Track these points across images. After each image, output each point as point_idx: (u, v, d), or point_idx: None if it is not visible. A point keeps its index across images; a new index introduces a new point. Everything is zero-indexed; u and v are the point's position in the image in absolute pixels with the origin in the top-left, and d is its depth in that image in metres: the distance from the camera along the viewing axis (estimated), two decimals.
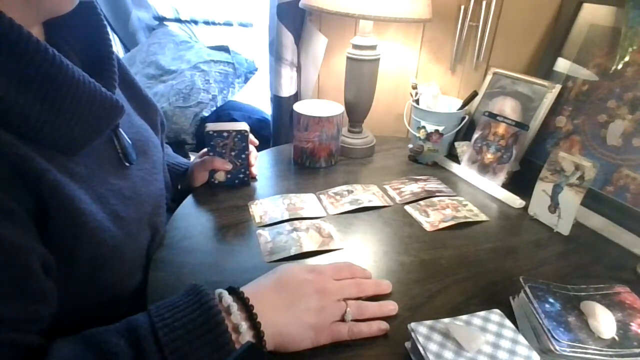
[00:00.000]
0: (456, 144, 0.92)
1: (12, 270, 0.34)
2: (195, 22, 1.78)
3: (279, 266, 0.50)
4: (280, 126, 1.15)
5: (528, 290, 0.48)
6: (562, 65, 0.83)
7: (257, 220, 0.69)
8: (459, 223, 0.70)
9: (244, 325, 0.41)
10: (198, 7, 1.74)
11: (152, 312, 0.40)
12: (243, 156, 0.76)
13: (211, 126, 0.73)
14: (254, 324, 0.41)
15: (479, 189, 0.83)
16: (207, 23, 1.76)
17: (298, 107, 0.86)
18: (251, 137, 0.80)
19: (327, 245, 0.63)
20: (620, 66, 0.72)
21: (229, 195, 0.76)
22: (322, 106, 0.88)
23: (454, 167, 0.90)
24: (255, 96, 1.64)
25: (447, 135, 0.90)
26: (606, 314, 0.45)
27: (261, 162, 0.90)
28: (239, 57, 1.63)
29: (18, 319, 0.35)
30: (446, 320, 0.45)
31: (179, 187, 0.80)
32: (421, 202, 0.76)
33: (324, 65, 1.07)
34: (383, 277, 0.57)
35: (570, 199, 0.66)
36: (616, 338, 0.43)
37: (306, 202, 0.74)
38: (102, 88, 0.43)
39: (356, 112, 0.94)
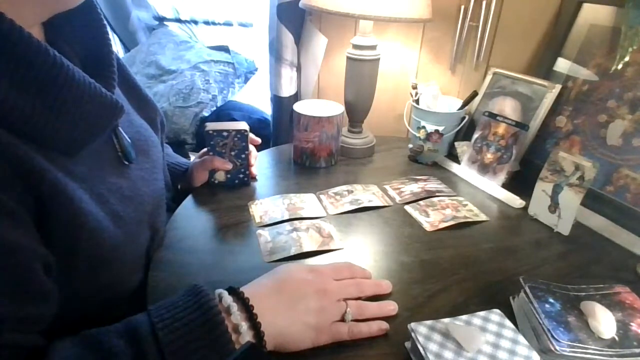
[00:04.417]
0: (456, 144, 0.92)
1: (12, 270, 0.34)
2: (195, 22, 1.78)
3: (279, 266, 0.50)
4: (280, 126, 1.15)
5: (528, 290, 0.48)
6: (562, 65, 0.83)
7: (257, 220, 0.69)
8: (459, 223, 0.70)
9: (244, 326, 0.41)
10: (198, 7, 1.74)
11: (152, 312, 0.40)
12: (243, 156, 0.76)
13: (211, 126, 0.73)
14: (254, 324, 0.41)
15: (479, 189, 0.83)
16: (207, 23, 1.76)
17: (298, 107, 0.86)
18: (253, 135, 0.80)
19: (327, 245, 0.63)
20: (620, 66, 0.72)
21: (229, 195, 0.76)
22: (322, 106, 0.88)
23: (454, 167, 0.90)
24: (255, 96, 1.64)
25: (447, 135, 0.90)
26: (606, 314, 0.45)
27: (261, 162, 0.90)
28: (239, 57, 1.62)
29: (18, 319, 0.35)
30: (446, 320, 0.45)
31: (179, 187, 0.80)
32: (421, 202, 0.76)
33: (324, 65, 1.06)
34: (383, 277, 0.57)
35: (570, 199, 0.66)
36: (616, 338, 0.43)
37: (306, 202, 0.74)
38: (102, 88, 0.43)
39: (356, 112, 0.94)
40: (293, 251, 0.61)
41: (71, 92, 0.39)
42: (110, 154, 0.50)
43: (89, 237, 0.41)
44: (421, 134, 0.91)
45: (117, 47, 1.84)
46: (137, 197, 0.51)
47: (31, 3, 0.39)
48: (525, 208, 0.75)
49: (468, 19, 0.93)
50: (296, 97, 1.12)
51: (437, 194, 0.78)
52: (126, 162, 0.51)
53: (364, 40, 0.85)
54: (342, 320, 0.47)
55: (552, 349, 0.42)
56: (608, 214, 0.70)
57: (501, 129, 0.82)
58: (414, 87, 0.93)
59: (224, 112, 1.48)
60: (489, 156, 0.83)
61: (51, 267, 0.39)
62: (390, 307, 0.51)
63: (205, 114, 1.45)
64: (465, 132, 0.94)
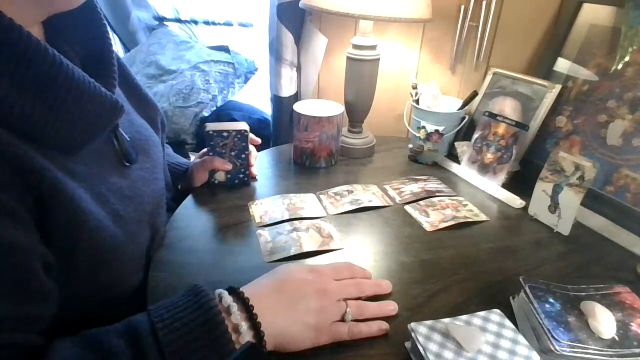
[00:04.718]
0: (456, 144, 0.92)
1: (13, 270, 0.34)
2: (195, 22, 1.78)
3: (279, 266, 0.50)
4: (280, 126, 1.15)
5: (528, 290, 0.48)
6: (562, 65, 0.83)
7: (257, 220, 0.69)
8: (459, 223, 0.70)
9: (244, 326, 0.41)
10: (198, 7, 1.74)
11: (152, 312, 0.40)
12: (243, 156, 0.76)
13: (211, 126, 0.73)
14: (254, 324, 0.41)
15: (479, 189, 0.83)
16: (207, 23, 1.76)
17: (298, 107, 0.86)
18: (253, 136, 0.80)
19: (327, 245, 0.63)
20: (620, 66, 0.72)
21: (229, 195, 0.76)
22: (322, 106, 0.88)
23: (454, 167, 0.90)
24: (255, 96, 1.64)
25: (447, 135, 0.90)
26: (606, 314, 0.45)
27: (261, 162, 0.90)
28: (239, 57, 1.62)
29: (18, 319, 0.35)
30: (446, 320, 0.45)
31: (179, 187, 0.80)
32: (421, 202, 0.76)
33: (324, 65, 1.06)
34: (383, 277, 0.57)
35: (570, 199, 0.66)
36: (616, 338, 0.43)
37: (306, 202, 0.74)
38: (102, 88, 0.43)
39: (356, 112, 0.94)
40: (293, 251, 0.61)
41: (71, 92, 0.39)
42: (111, 154, 0.50)
43: (89, 236, 0.41)
44: (421, 134, 0.91)
45: (117, 47, 1.84)
46: (137, 197, 0.51)
47: (27, 4, 0.38)
48: (525, 208, 0.75)
49: (468, 19, 0.93)
50: (296, 97, 1.12)
51: (437, 194, 0.78)
52: (127, 164, 0.51)
53: (364, 40, 0.85)
54: (342, 320, 0.47)
55: (552, 349, 0.42)
56: (608, 214, 0.70)
57: (501, 129, 0.82)
58: (414, 87, 0.93)
59: (224, 112, 1.48)
60: (489, 156, 0.83)
61: (51, 267, 0.39)
62: (390, 307, 0.51)
63: (205, 114, 1.45)
64: (465, 132, 0.94)
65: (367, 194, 0.77)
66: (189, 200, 0.74)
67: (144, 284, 0.53)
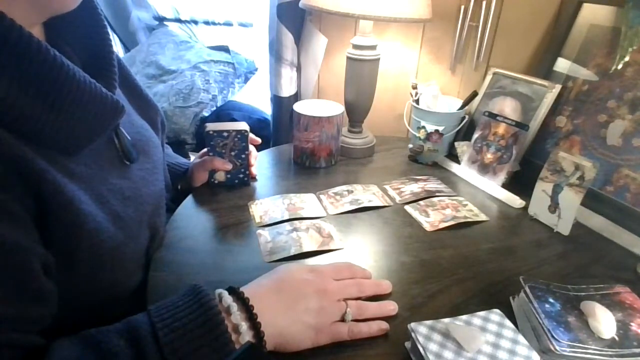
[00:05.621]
0: (456, 144, 0.92)
1: (12, 271, 0.34)
2: (195, 22, 1.78)
3: (279, 266, 0.50)
4: (280, 126, 1.15)
5: (528, 290, 0.48)
6: (562, 65, 0.83)
7: (257, 220, 0.69)
8: (459, 223, 0.70)
9: (244, 326, 0.41)
10: (198, 7, 1.74)
11: (152, 312, 0.40)
12: (243, 156, 0.76)
13: (211, 126, 0.73)
14: (254, 324, 0.41)
15: (479, 189, 0.83)
16: (207, 23, 1.76)
17: (298, 107, 0.86)
18: (253, 135, 0.80)
19: (327, 245, 0.63)
20: (620, 66, 0.72)
21: (229, 195, 0.76)
22: (322, 106, 0.88)
23: (454, 167, 0.90)
24: (255, 96, 1.64)
25: (447, 135, 0.90)
26: (606, 314, 0.45)
27: (261, 162, 0.90)
28: (239, 57, 1.63)
29: (18, 320, 0.35)
30: (446, 320, 0.45)
31: (179, 187, 0.80)
32: (421, 202, 0.76)
33: (324, 65, 1.06)
34: (383, 277, 0.57)
35: (570, 199, 0.66)
36: (616, 338, 0.43)
37: (306, 202, 0.74)
38: (103, 88, 0.43)
39: (356, 112, 0.94)
40: (293, 251, 0.61)
41: (71, 92, 0.39)
42: (112, 154, 0.50)
43: (88, 237, 0.41)
44: (421, 134, 0.91)
45: (117, 47, 1.85)
46: (137, 198, 0.51)
47: (27, 6, 0.38)
48: (525, 208, 0.75)
49: (468, 19, 0.93)
50: (296, 97, 1.12)
51: (437, 194, 0.78)
52: (127, 162, 0.51)
53: (364, 40, 0.85)
54: (342, 320, 0.47)
55: (552, 349, 0.42)
56: (608, 214, 0.70)
57: (501, 129, 0.82)
58: (414, 87, 0.94)
59: (224, 112, 1.48)
60: (489, 156, 0.83)
61: (51, 268, 0.39)
62: (390, 307, 0.51)
63: (205, 114, 1.45)
64: (465, 132, 0.94)
65: (367, 194, 0.77)
66: (189, 200, 0.74)
67: (144, 284, 0.53)
